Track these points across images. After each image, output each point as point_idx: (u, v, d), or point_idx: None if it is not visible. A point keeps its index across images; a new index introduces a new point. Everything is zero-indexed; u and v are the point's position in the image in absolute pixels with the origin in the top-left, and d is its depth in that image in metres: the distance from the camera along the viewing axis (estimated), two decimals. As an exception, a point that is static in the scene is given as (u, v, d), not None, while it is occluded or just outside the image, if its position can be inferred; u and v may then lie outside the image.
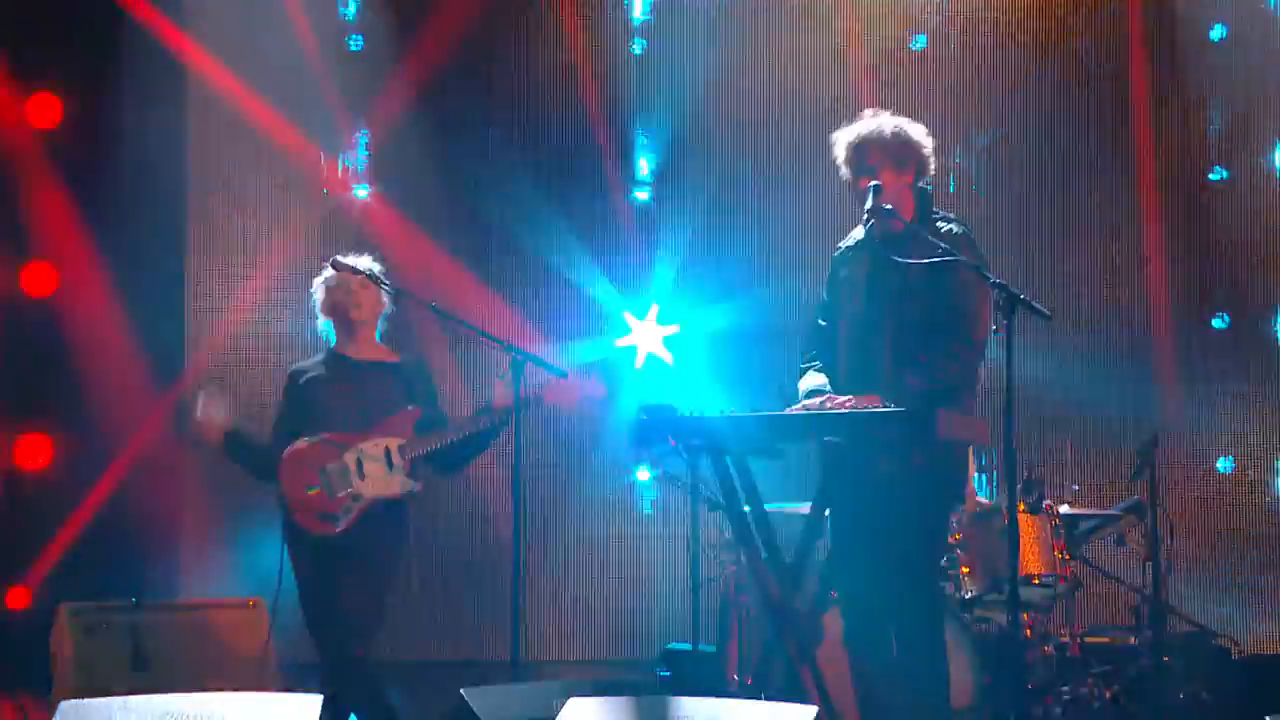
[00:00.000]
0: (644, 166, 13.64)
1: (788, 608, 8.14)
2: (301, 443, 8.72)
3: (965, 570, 9.66)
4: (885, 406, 7.65)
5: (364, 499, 8.63)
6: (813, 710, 6.87)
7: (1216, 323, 13.06)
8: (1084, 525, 10.30)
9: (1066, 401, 13.00)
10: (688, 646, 10.12)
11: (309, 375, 8.97)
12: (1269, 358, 12.80)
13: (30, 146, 12.63)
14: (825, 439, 7.93)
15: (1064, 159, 13.51)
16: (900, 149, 8.13)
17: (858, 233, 8.22)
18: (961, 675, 9.39)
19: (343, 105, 13.50)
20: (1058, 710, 9.53)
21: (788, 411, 8.12)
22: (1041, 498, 9.88)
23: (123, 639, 10.36)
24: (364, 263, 9.01)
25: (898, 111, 8.26)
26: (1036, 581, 9.66)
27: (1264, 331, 12.87)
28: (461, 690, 7.71)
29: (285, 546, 8.79)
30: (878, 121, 8.21)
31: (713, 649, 10.20)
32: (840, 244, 8.38)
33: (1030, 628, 9.95)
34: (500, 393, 8.86)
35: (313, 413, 8.86)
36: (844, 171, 8.17)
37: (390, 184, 13.59)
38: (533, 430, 11.23)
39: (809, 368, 8.39)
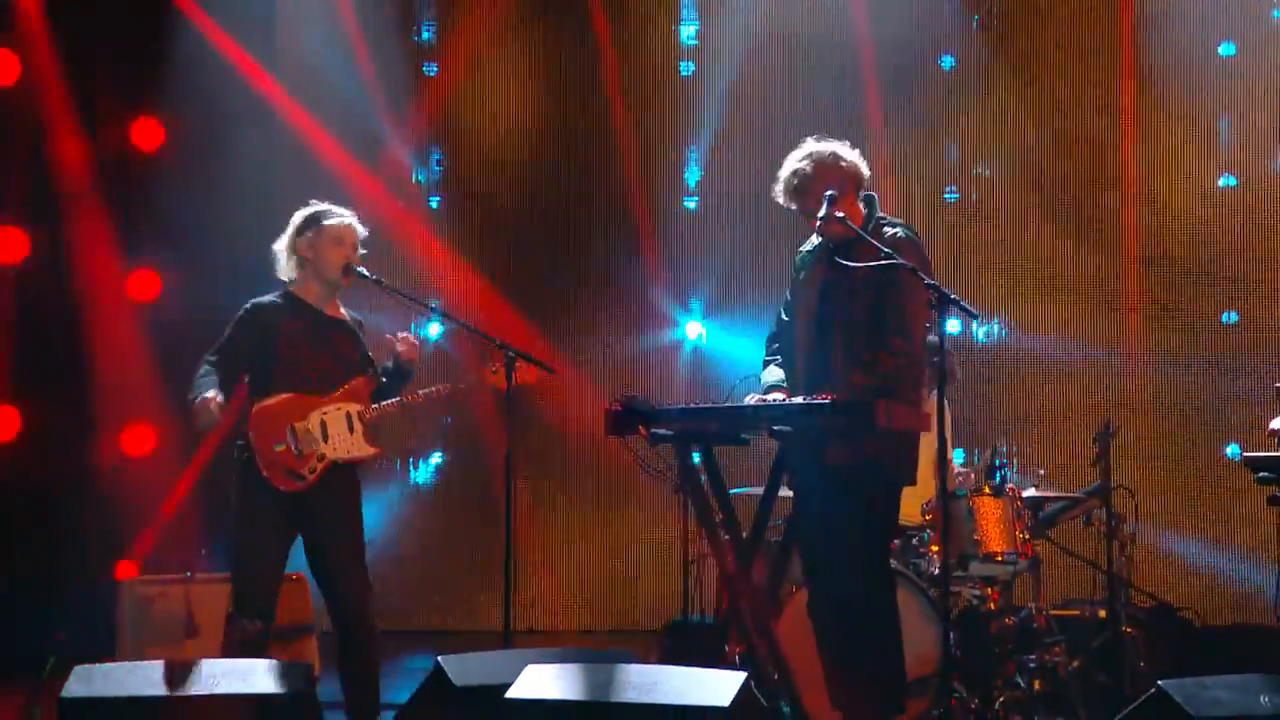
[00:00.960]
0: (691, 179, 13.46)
1: (745, 584, 8.06)
2: (270, 399, 8.52)
3: (934, 548, 9.54)
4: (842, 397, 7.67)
5: (327, 460, 8.51)
6: (741, 676, 6.83)
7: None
8: (1051, 507, 10.15)
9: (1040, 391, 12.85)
10: (696, 619, 10.04)
11: (274, 315, 8.64)
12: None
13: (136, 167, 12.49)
14: (775, 428, 7.76)
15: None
16: (848, 173, 8.23)
17: (815, 238, 8.21)
18: (929, 644, 9.30)
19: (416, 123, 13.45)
20: (1020, 678, 9.27)
21: (745, 403, 8.14)
22: (1004, 481, 9.77)
23: (176, 609, 10.38)
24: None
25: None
26: (999, 559, 9.54)
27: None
28: (438, 657, 7.69)
29: (240, 491, 8.60)
30: (813, 151, 8.28)
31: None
32: (800, 248, 8.24)
33: (994, 601, 9.81)
34: (404, 351, 8.85)
35: (275, 357, 8.58)
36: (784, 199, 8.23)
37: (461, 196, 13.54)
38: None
39: (771, 361, 8.43)
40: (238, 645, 8.44)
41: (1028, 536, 9.75)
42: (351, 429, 8.65)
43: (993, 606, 9.91)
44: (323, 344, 8.70)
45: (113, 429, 12.71)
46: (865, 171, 8.30)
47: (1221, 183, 13.13)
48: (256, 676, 7.44)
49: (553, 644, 11.70)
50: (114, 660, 9.86)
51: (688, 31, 13.79)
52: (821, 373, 8.08)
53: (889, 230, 8.16)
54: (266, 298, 8.79)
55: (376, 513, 12.99)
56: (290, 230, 8.79)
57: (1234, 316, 13.04)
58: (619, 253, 13.53)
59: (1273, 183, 13.02)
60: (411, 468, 13.60)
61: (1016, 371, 13.30)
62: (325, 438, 8.58)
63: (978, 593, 10.03)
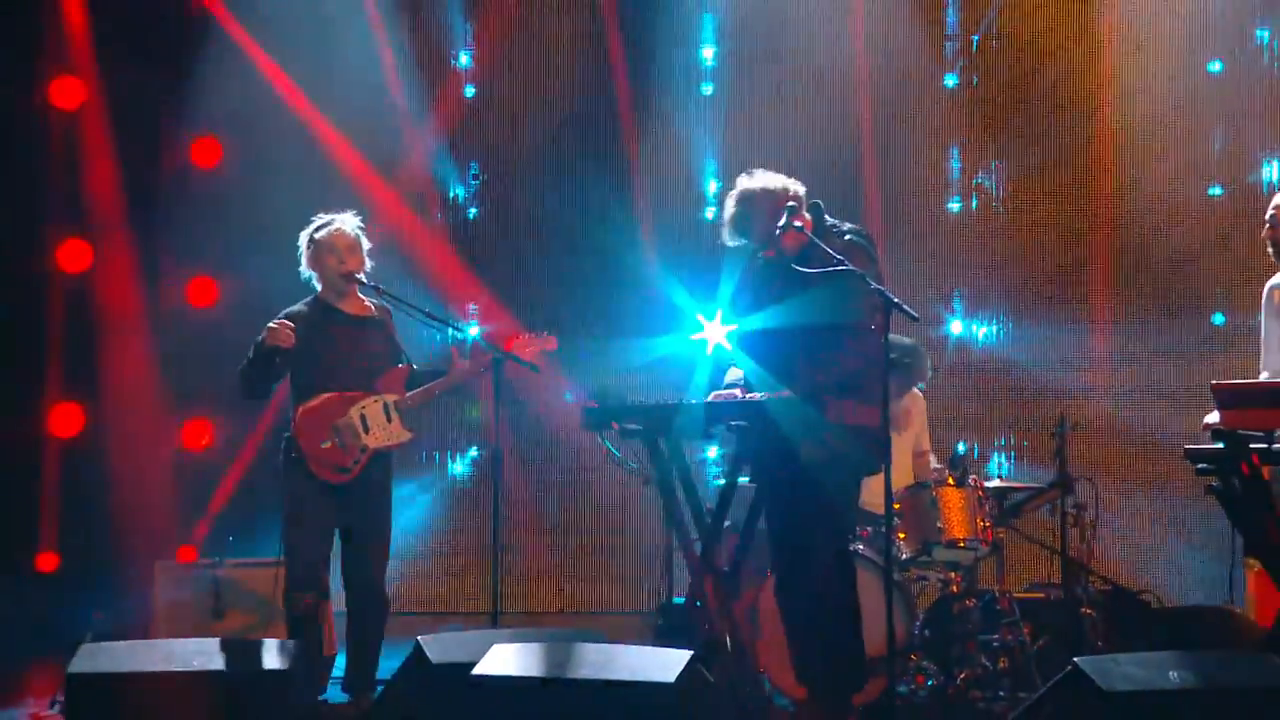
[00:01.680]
0: (712, 186, 13.43)
1: (708, 569, 8.07)
2: (312, 401, 8.69)
3: (902, 535, 9.56)
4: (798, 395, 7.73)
5: (370, 450, 8.67)
6: (686, 654, 6.86)
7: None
8: (1014, 497, 10.10)
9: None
10: (679, 601, 10.09)
11: (304, 322, 8.78)
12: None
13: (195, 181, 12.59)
14: (733, 423, 7.78)
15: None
16: (771, 201, 8.21)
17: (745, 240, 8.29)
18: (895, 624, 9.29)
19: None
20: (983, 657, 9.26)
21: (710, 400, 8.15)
22: (967, 472, 9.74)
23: (205, 591, 10.45)
24: (355, 222, 9.04)
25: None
26: (962, 545, 9.53)
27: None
28: (418, 636, 7.73)
29: (291, 487, 8.77)
30: (745, 189, 8.34)
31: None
32: (758, 257, 8.27)
33: (957, 584, 9.80)
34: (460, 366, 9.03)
35: (313, 356, 8.76)
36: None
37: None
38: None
39: (734, 363, 8.46)
40: (294, 616, 8.75)
41: (989, 524, 9.71)
42: (389, 418, 8.82)
43: (955, 590, 9.88)
44: (353, 343, 8.88)
45: (172, 424, 12.68)
46: (800, 188, 8.31)
47: (1211, 191, 12.92)
48: (240, 654, 7.49)
49: (543, 624, 11.79)
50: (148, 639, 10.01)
51: (706, 54, 13.64)
52: (784, 373, 8.05)
53: (840, 237, 8.19)
54: (296, 306, 8.95)
55: (419, 504, 13.21)
56: (301, 248, 8.99)
57: (1220, 318, 12.88)
58: (636, 258, 13.43)
59: (1251, 193, 12.84)
60: (450, 460, 13.52)
61: (1010, 369, 13.17)
62: (366, 430, 8.75)
63: (942, 577, 9.99)
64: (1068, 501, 10.07)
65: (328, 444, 8.62)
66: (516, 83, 13.76)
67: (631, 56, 13.43)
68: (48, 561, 11.99)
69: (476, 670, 7.13)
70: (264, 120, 12.82)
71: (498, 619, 9.01)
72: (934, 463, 10.48)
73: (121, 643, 7.66)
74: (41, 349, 12.32)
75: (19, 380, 12.31)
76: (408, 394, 8.86)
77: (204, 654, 7.46)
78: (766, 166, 8.12)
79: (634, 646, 7.30)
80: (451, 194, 13.80)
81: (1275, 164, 13.17)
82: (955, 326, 13.58)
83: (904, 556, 9.71)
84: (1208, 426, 8.19)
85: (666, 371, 12.16)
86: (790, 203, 8.08)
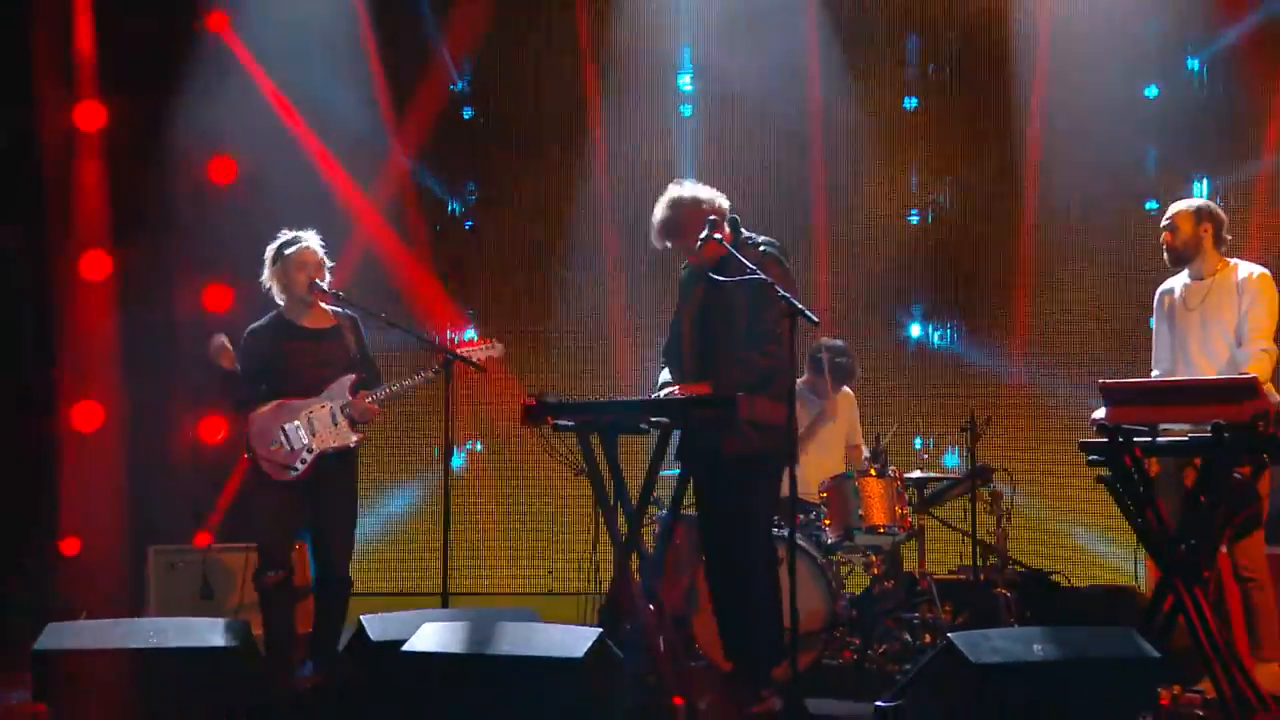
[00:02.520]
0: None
1: (633, 553, 8.11)
2: (264, 407, 8.91)
3: (827, 522, 9.63)
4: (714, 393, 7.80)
5: (316, 451, 8.78)
6: (595, 632, 6.90)
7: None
8: (935, 487, 10.14)
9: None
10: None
11: (267, 337, 9.04)
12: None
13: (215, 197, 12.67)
14: (653, 419, 7.82)
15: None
16: (715, 215, 8.28)
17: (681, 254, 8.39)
18: (818, 604, 9.34)
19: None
20: (904, 633, 9.32)
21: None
22: (886, 464, 9.79)
23: (194, 574, 10.51)
24: (318, 240, 9.16)
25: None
26: (881, 530, 9.62)
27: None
28: (361, 616, 7.76)
29: (253, 486, 9.13)
30: (677, 195, 8.40)
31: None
32: (683, 271, 8.36)
33: (877, 567, 9.85)
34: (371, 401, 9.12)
35: (272, 370, 8.97)
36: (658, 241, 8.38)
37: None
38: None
39: (666, 367, 8.55)
40: (261, 593, 8.96)
41: (906, 511, 9.80)
42: (336, 422, 8.96)
43: (877, 572, 9.95)
44: (310, 354, 9.04)
45: (190, 420, 12.73)
46: (724, 202, 8.40)
47: (1147, 206, 12.89)
48: (199, 631, 7.53)
49: (494, 604, 11.84)
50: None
51: (684, 80, 13.66)
52: (703, 373, 8.19)
53: (754, 248, 8.26)
54: (260, 322, 9.19)
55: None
56: (266, 263, 9.16)
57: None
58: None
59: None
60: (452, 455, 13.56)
61: (959, 369, 13.19)
62: (313, 433, 8.90)
63: (865, 560, 10.03)
64: (985, 491, 10.08)
65: (275, 446, 8.84)
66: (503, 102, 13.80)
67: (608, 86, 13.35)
68: (70, 546, 11.98)
69: (406, 646, 7.16)
70: (272, 138, 12.81)
71: (446, 600, 9.02)
72: (866, 454, 10.46)
73: (84, 621, 7.72)
74: (67, 351, 12.30)
75: (46, 379, 12.31)
76: (354, 399, 8.94)
77: (158, 632, 7.49)
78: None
79: (553, 626, 7.32)
80: (431, 208, 13.79)
81: (1205, 182, 13.15)
82: (914, 330, 13.56)
83: (830, 541, 9.77)
84: (1094, 422, 8.20)
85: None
86: (712, 216, 8.12)
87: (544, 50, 13.71)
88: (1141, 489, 8.23)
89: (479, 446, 13.61)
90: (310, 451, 8.82)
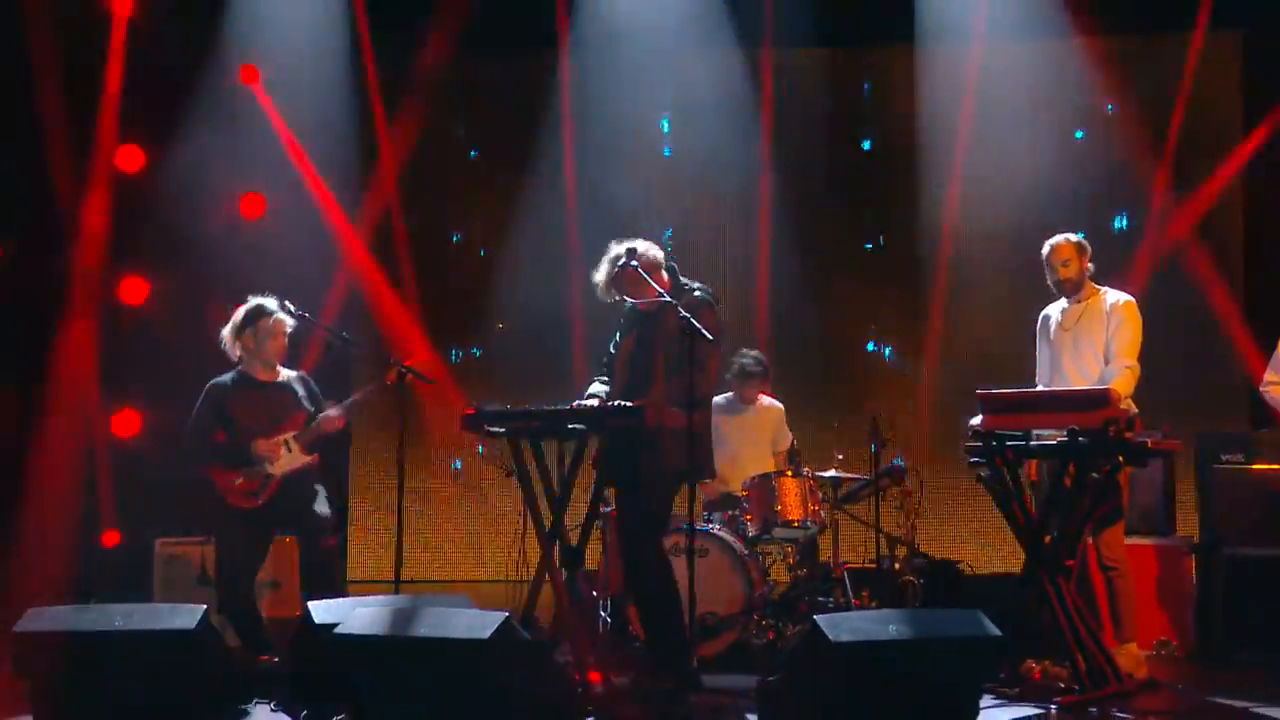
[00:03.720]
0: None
1: (554, 543, 8.14)
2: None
3: (749, 517, 9.62)
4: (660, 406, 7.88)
5: (275, 477, 8.94)
6: (502, 615, 6.92)
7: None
8: (849, 486, 10.13)
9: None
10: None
11: (230, 392, 9.15)
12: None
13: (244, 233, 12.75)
14: (570, 425, 7.86)
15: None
16: (653, 265, 8.38)
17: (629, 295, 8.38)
18: (738, 591, 9.36)
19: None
20: (813, 614, 9.30)
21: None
22: (800, 465, 9.82)
23: (193, 563, 10.57)
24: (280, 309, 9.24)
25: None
26: (796, 524, 9.65)
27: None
28: (308, 602, 7.80)
29: (216, 520, 9.22)
30: (636, 244, 8.46)
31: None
32: (625, 305, 8.44)
33: (792, 557, 9.86)
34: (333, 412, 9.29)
35: (233, 419, 9.09)
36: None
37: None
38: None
39: (597, 379, 8.53)
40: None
41: (818, 507, 9.81)
42: (290, 450, 9.10)
43: (792, 561, 9.95)
44: (266, 404, 9.18)
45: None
46: (659, 254, 8.53)
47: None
48: (162, 616, 7.58)
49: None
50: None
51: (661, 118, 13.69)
52: (637, 389, 8.23)
53: (688, 293, 8.38)
54: (223, 378, 9.28)
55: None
56: (235, 324, 9.29)
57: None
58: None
59: (1106, 236, 12.84)
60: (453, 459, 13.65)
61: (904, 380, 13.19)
62: (270, 463, 9.05)
63: (782, 551, 10.06)
64: (898, 488, 10.09)
65: (239, 480, 8.99)
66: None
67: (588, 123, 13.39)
68: (111, 539, 12.08)
69: (338, 629, 7.19)
70: (286, 177, 12.93)
71: (398, 587, 9.06)
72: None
73: (64, 606, 7.74)
74: (110, 365, 12.39)
75: (93, 390, 12.40)
76: (303, 430, 9.15)
77: (129, 616, 7.50)
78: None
79: (470, 610, 7.30)
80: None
81: (1124, 215, 13.15)
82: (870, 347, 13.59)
83: (751, 534, 9.77)
84: (971, 428, 8.23)
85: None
86: (633, 259, 8.26)
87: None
88: (1012, 487, 8.27)
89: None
90: (270, 479, 9.04)
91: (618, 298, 8.45)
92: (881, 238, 13.72)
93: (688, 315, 7.79)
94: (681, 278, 8.53)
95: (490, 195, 13.81)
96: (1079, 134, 13.42)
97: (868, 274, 13.63)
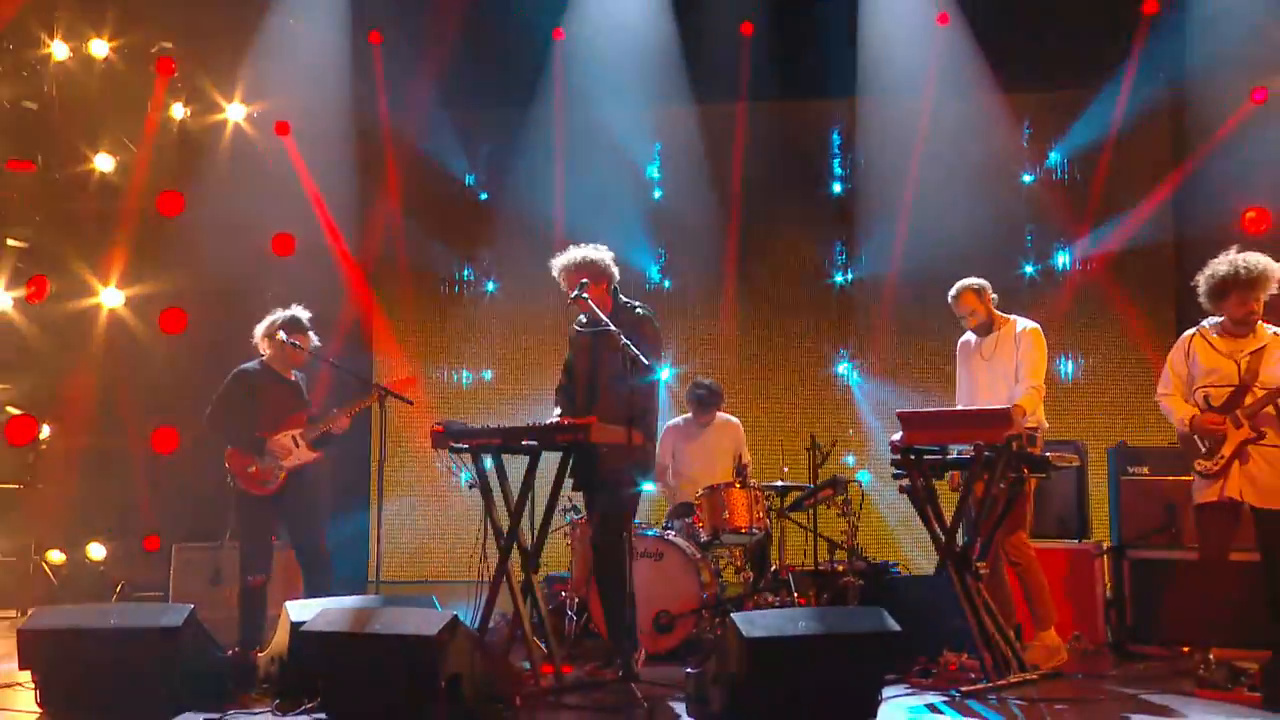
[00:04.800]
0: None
1: (512, 548, 8.07)
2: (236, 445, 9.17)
3: (701, 524, 9.55)
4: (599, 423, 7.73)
5: (285, 468, 9.06)
6: (451, 614, 6.87)
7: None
8: (795, 496, 10.07)
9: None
10: (565, 575, 10.06)
11: (258, 377, 9.31)
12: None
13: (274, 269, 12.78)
14: (523, 441, 7.80)
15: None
16: (591, 268, 8.18)
17: (583, 317, 8.27)
18: (692, 588, 9.29)
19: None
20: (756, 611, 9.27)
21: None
22: (747, 478, 9.78)
23: (207, 565, 10.56)
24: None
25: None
26: (743, 531, 9.55)
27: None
28: (286, 603, 7.76)
29: (237, 503, 9.25)
30: (578, 251, 8.38)
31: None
32: (574, 325, 8.43)
33: (740, 560, 9.82)
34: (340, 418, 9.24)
35: (256, 404, 9.20)
36: (564, 287, 8.27)
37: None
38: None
39: (557, 397, 8.50)
40: (243, 591, 9.14)
41: (762, 515, 9.74)
42: (298, 445, 9.09)
43: (738, 564, 9.89)
44: (281, 397, 9.35)
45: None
46: (614, 270, 8.48)
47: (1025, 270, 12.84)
48: (153, 614, 7.55)
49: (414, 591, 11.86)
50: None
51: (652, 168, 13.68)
52: (591, 404, 8.20)
53: (631, 311, 8.33)
54: (249, 365, 9.40)
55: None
56: (272, 323, 9.41)
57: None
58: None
59: (1050, 271, 12.87)
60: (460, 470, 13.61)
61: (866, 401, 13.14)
62: (282, 456, 9.16)
63: (729, 554, 10.01)
64: (840, 498, 9.99)
65: (252, 468, 9.06)
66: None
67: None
68: (152, 543, 12.11)
69: (304, 626, 7.17)
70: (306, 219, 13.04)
71: (379, 587, 9.03)
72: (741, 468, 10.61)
73: (65, 606, 7.74)
74: (150, 388, 12.45)
75: (138, 410, 12.47)
76: (306, 429, 9.20)
77: (121, 614, 7.49)
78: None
79: (423, 609, 7.26)
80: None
81: (1068, 251, 13.11)
82: (841, 369, 13.51)
83: (704, 540, 9.70)
84: (893, 444, 8.17)
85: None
86: (583, 278, 8.13)
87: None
88: (926, 496, 8.21)
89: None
90: (281, 469, 9.10)
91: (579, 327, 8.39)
92: (846, 273, 13.54)
93: (628, 343, 7.70)
94: (622, 296, 8.45)
95: (493, 232, 13.73)
96: (1028, 178, 13.26)
97: (824, 305, 13.51)
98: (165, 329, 12.56)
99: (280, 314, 9.38)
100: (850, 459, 12.89)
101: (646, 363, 7.75)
